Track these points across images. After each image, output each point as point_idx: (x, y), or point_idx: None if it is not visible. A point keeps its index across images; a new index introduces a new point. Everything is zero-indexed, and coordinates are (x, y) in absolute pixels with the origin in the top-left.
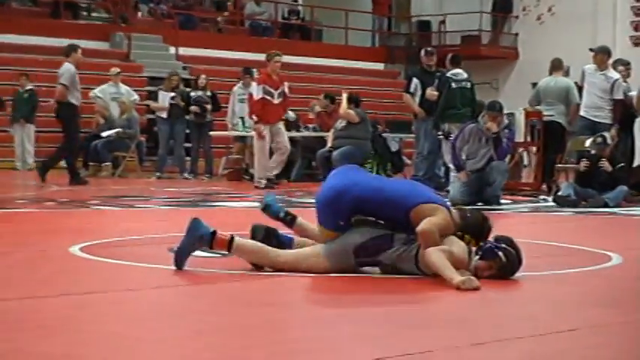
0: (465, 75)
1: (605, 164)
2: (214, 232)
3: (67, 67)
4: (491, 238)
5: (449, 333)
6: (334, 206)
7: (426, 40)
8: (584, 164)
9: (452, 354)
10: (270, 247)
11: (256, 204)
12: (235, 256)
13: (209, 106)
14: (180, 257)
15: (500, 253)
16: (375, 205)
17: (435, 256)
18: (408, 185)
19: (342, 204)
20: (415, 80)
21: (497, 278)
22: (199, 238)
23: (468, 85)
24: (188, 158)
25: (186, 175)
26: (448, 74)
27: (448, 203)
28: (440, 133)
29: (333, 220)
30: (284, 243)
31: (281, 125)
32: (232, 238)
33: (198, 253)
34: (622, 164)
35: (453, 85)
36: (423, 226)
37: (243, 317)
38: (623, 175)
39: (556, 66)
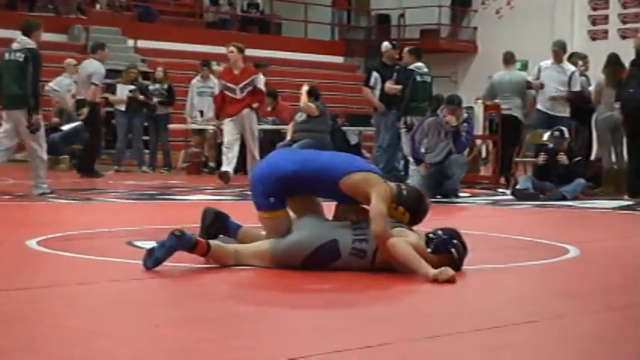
0: (426, 69)
1: (563, 158)
2: (197, 242)
3: (97, 66)
4: (440, 232)
5: (407, 326)
6: (265, 180)
7: (385, 33)
8: (542, 158)
9: (410, 346)
10: (231, 248)
11: (214, 197)
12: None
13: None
14: (155, 259)
15: (453, 250)
16: (305, 178)
17: (403, 248)
18: (342, 157)
19: (272, 178)
20: (375, 74)
21: None
22: (182, 245)
23: (429, 79)
24: (146, 151)
25: (144, 168)
26: (412, 67)
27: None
28: (403, 125)
29: (264, 198)
30: (230, 229)
31: (244, 118)
32: (209, 245)
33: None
34: (579, 158)
35: (418, 78)
36: (373, 208)
37: (200, 311)
38: (580, 168)
39: (508, 59)
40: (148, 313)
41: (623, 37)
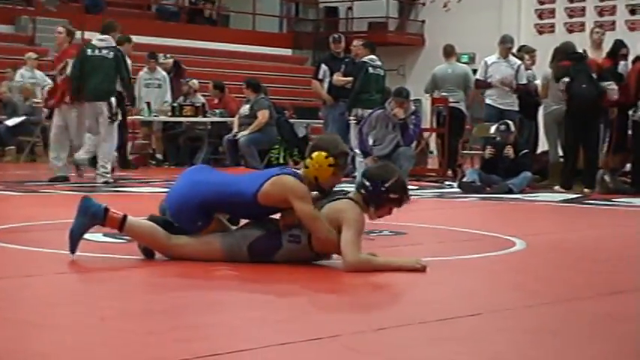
0: (379, 62)
1: (510, 151)
2: (107, 209)
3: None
4: (367, 183)
5: (354, 318)
6: (184, 214)
7: (333, 26)
8: (489, 151)
9: (357, 338)
10: (163, 231)
11: (159, 189)
12: (127, 236)
13: None
14: (73, 238)
15: (391, 195)
16: (224, 203)
17: (368, 264)
18: (248, 175)
19: (190, 210)
20: (324, 67)
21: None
22: (91, 216)
23: (382, 72)
24: None
25: None
26: (365, 59)
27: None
28: (353, 117)
29: (190, 226)
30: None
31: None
32: (125, 216)
33: (105, 238)
34: (526, 151)
35: (370, 70)
36: (299, 214)
37: (147, 303)
38: (526, 161)
39: (449, 52)
40: (93, 305)
41: (570, 32)
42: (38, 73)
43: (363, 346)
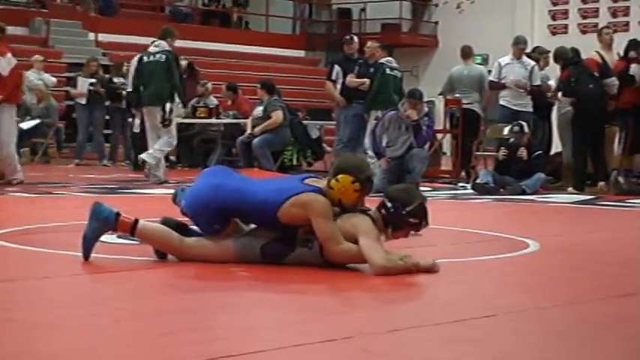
0: (396, 64)
1: (523, 152)
2: (118, 214)
3: None
4: (389, 204)
5: (368, 319)
6: (202, 217)
7: (346, 27)
8: (502, 152)
9: (371, 340)
10: (175, 233)
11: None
12: (139, 240)
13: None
14: (87, 244)
15: (411, 219)
16: (244, 212)
17: (385, 268)
18: (271, 184)
19: (209, 214)
20: (337, 68)
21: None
22: (103, 221)
23: (399, 74)
24: (107, 145)
25: (105, 162)
26: (382, 61)
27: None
28: (373, 119)
29: (207, 228)
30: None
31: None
32: (136, 221)
33: (118, 240)
34: (539, 152)
35: (387, 71)
36: (318, 232)
37: (161, 304)
38: (540, 162)
39: (466, 53)
40: (106, 306)
41: (583, 32)
42: (45, 75)
43: (378, 347)
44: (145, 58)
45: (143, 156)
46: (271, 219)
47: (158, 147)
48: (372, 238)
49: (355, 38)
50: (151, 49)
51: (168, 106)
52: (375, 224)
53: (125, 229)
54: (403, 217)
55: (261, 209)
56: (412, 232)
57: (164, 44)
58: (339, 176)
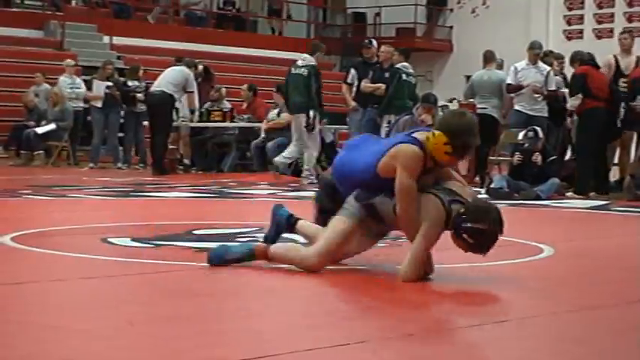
0: (412, 70)
1: (538, 157)
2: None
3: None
4: (462, 210)
5: (382, 324)
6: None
7: (361, 32)
8: (517, 157)
9: (385, 344)
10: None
11: (187, 194)
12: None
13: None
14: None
15: (465, 235)
16: (359, 182)
17: (410, 276)
18: (387, 141)
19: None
20: (352, 71)
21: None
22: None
23: (414, 80)
24: (121, 148)
25: (119, 165)
26: (398, 66)
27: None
28: (385, 124)
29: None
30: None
31: None
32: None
33: (133, 243)
34: (554, 157)
35: (404, 77)
36: (397, 180)
37: (175, 308)
38: (554, 168)
39: (488, 58)
40: (122, 310)
41: (599, 37)
42: (78, 80)
43: (391, 352)
44: (293, 70)
45: (276, 159)
46: (374, 178)
47: (287, 154)
48: (431, 234)
49: (374, 42)
50: (299, 62)
51: (312, 112)
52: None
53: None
54: (461, 229)
55: (371, 165)
56: (467, 250)
57: (310, 59)
58: (437, 132)
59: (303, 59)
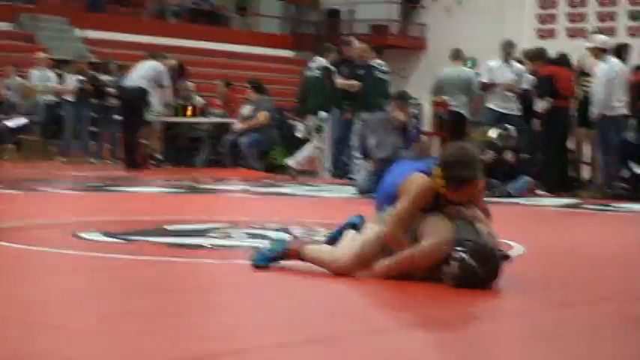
0: (385, 67)
1: (509, 155)
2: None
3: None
4: (462, 245)
5: (353, 320)
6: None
7: (335, 28)
8: (489, 155)
9: (355, 340)
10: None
11: (158, 189)
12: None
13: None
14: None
15: (456, 265)
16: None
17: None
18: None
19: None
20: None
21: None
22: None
23: (387, 77)
24: (93, 143)
25: (91, 159)
26: (373, 63)
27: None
28: (360, 121)
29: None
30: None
31: None
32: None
33: (104, 238)
34: (525, 155)
35: (378, 74)
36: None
37: (147, 303)
38: (526, 165)
39: (456, 56)
40: (93, 305)
41: (571, 37)
42: (52, 75)
43: (361, 348)
44: (308, 73)
45: (289, 162)
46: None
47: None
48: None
49: (356, 42)
50: (311, 64)
51: (323, 114)
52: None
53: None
54: (456, 257)
55: (395, 184)
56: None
57: (321, 61)
58: (436, 167)
59: (314, 61)
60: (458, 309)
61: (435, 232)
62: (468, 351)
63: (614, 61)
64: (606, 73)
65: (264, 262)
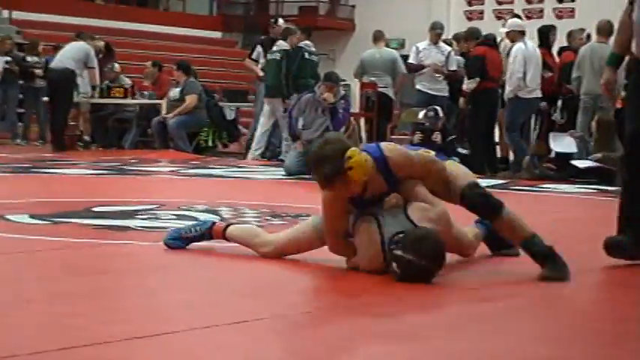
0: (314, 49)
1: (438, 137)
2: (213, 224)
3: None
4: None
5: (282, 302)
6: None
7: (264, 9)
8: (417, 136)
9: (283, 321)
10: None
11: (86, 171)
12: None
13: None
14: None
15: (394, 264)
16: None
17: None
18: None
19: None
20: (259, 48)
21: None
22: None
23: (316, 58)
24: (20, 124)
25: (18, 140)
26: (300, 44)
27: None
28: (288, 102)
29: None
30: None
31: None
32: (227, 226)
33: (30, 220)
34: (453, 137)
35: (306, 55)
36: None
37: (74, 285)
38: (454, 147)
39: (377, 37)
40: (18, 287)
41: (498, 18)
42: None
43: (288, 328)
44: (269, 56)
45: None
46: None
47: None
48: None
49: (280, 21)
50: (274, 47)
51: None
52: None
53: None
54: (392, 256)
55: None
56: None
57: (283, 44)
58: None
59: (278, 45)
60: (390, 297)
61: (361, 252)
62: (412, 345)
63: (529, 43)
64: (523, 54)
65: (177, 242)
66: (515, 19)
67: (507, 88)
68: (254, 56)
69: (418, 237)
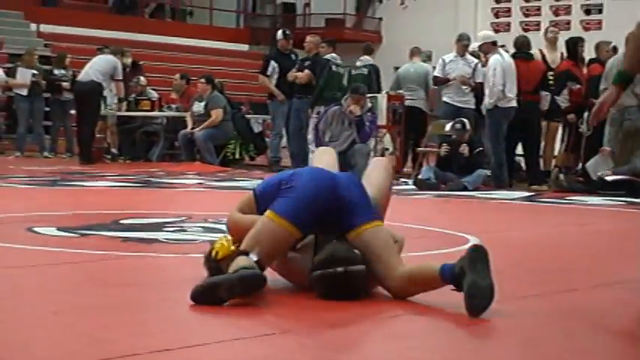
0: (340, 61)
1: (465, 149)
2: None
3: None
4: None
5: (308, 315)
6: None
7: (290, 22)
8: (444, 149)
9: (310, 334)
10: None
11: (114, 184)
12: None
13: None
14: None
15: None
16: None
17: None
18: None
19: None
20: (273, 63)
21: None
22: None
23: (342, 70)
24: (48, 137)
25: (46, 153)
26: (327, 57)
27: None
28: (315, 115)
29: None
30: None
31: None
32: None
33: (58, 232)
34: (481, 149)
35: (333, 67)
36: None
37: (100, 297)
38: (481, 159)
39: (414, 52)
40: (45, 300)
41: (525, 30)
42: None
43: (315, 341)
44: (353, 71)
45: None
46: None
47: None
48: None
49: (285, 34)
50: (357, 63)
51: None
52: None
53: None
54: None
55: None
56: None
57: (368, 59)
58: None
59: (361, 60)
60: (405, 301)
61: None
62: (421, 345)
63: (505, 54)
64: (502, 66)
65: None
66: (485, 31)
67: (487, 100)
68: (268, 72)
69: (329, 255)
